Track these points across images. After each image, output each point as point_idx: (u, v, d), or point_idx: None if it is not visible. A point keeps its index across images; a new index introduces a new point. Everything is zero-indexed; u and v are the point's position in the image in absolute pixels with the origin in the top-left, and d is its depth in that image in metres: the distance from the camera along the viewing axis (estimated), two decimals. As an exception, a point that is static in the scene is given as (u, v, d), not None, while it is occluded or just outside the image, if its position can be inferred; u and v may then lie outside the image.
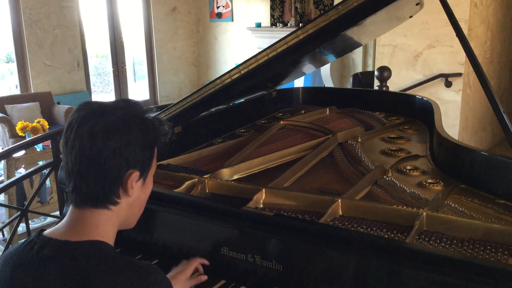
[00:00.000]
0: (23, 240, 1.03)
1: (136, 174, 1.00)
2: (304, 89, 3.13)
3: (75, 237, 0.97)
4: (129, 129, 0.98)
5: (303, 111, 2.71)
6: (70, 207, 1.01)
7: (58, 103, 7.17)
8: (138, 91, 9.68)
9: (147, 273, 0.96)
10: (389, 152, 2.10)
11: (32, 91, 7.34)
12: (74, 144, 0.97)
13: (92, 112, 0.99)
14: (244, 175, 1.90)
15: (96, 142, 0.95)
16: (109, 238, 1.02)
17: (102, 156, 0.95)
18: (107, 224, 1.01)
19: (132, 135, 0.98)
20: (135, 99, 1.07)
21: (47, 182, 3.69)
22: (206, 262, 1.48)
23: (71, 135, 0.98)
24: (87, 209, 0.99)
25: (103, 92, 10.01)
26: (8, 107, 6.62)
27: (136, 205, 1.06)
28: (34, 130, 4.94)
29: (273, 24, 8.26)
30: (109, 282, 0.92)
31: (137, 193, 1.03)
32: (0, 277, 1.01)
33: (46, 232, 1.01)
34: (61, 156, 3.06)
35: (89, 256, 0.95)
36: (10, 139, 6.13)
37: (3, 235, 3.93)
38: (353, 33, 2.20)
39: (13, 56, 7.50)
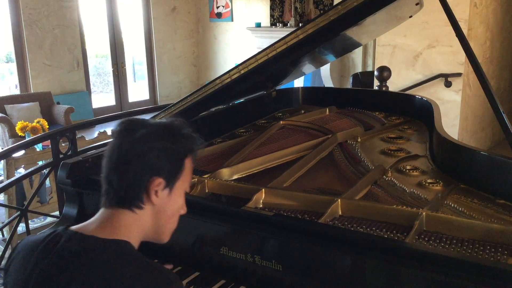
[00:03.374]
0: (44, 231, 1.06)
1: (160, 181, 1.04)
2: (304, 89, 3.13)
3: (102, 234, 1.00)
4: (155, 138, 1.04)
5: (302, 111, 2.71)
6: (101, 209, 1.07)
7: (58, 103, 7.17)
8: (138, 91, 9.69)
9: (170, 281, 0.98)
10: (389, 152, 2.10)
11: (32, 91, 7.34)
12: (108, 151, 1.05)
13: (131, 125, 1.07)
14: (243, 175, 1.90)
15: (123, 148, 1.03)
16: (134, 241, 1.05)
17: (126, 160, 1.02)
18: (132, 226, 1.05)
19: (157, 143, 1.03)
20: (182, 121, 1.12)
21: (47, 182, 3.69)
22: None
23: (109, 145, 1.06)
24: (114, 209, 1.04)
25: (102, 92, 10.01)
26: (8, 107, 6.62)
27: (163, 216, 1.09)
28: (33, 130, 4.93)
29: (272, 24, 8.26)
30: (132, 282, 0.94)
31: (162, 202, 1.06)
32: (22, 265, 1.02)
33: (72, 228, 1.04)
34: (61, 156, 3.06)
35: (114, 254, 0.98)
36: (10, 139, 6.13)
37: (3, 235, 3.93)
38: (352, 33, 2.20)
39: (13, 56, 7.50)
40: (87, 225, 1.04)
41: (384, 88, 3.84)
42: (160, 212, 1.08)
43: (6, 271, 1.07)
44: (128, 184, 1.02)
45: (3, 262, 3.52)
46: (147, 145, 1.02)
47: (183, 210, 1.14)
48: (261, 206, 1.58)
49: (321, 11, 7.58)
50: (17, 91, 7.57)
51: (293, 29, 1.99)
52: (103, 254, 0.97)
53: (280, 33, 7.34)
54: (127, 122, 1.08)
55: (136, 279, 0.94)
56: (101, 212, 1.06)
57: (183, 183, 1.10)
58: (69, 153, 3.12)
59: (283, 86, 3.07)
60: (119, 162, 1.03)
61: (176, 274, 1.05)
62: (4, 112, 6.57)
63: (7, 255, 3.45)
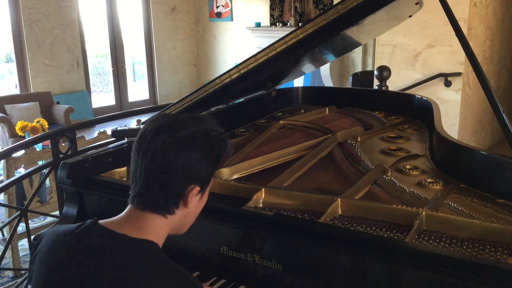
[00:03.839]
0: (72, 225, 1.07)
1: (197, 189, 1.07)
2: (304, 88, 3.12)
3: (133, 233, 1.02)
4: (197, 147, 1.04)
5: (302, 111, 2.71)
6: (129, 207, 1.08)
7: (58, 102, 7.17)
8: (138, 90, 9.69)
9: (194, 285, 1.01)
10: (389, 151, 2.10)
11: (32, 91, 7.34)
12: (146, 153, 1.03)
13: (166, 125, 1.06)
14: (243, 175, 1.90)
15: (167, 156, 1.02)
16: (160, 242, 1.08)
17: (171, 170, 1.02)
18: (161, 229, 1.07)
19: (199, 153, 1.05)
20: (208, 115, 1.12)
21: (47, 181, 3.69)
22: None
23: (144, 144, 1.04)
24: (146, 212, 1.06)
25: (102, 92, 10.01)
26: (8, 107, 6.62)
27: (190, 216, 1.14)
28: (33, 130, 4.94)
29: (272, 23, 8.26)
30: (158, 282, 0.96)
31: (194, 205, 1.10)
32: (49, 254, 1.04)
33: (102, 222, 1.05)
34: (61, 156, 3.06)
35: (143, 254, 1.00)
36: (10, 139, 6.13)
37: (3, 235, 3.93)
38: (352, 32, 2.20)
39: (13, 56, 7.50)
40: (117, 222, 1.06)
41: (384, 88, 3.84)
42: (189, 214, 1.12)
43: (31, 263, 1.09)
44: (168, 192, 1.04)
45: (5, 261, 3.52)
46: (190, 156, 1.03)
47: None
48: (261, 205, 1.58)
49: (321, 11, 7.58)
50: (17, 91, 7.57)
51: (293, 29, 1.99)
52: (132, 253, 0.99)
53: (280, 32, 7.34)
54: (164, 122, 1.07)
55: (162, 281, 0.97)
56: (130, 211, 1.07)
57: (211, 183, 1.14)
58: (69, 153, 3.12)
59: (283, 85, 3.07)
60: (162, 170, 1.02)
61: (200, 282, 1.07)
62: (4, 112, 6.57)
63: (7, 255, 3.45)
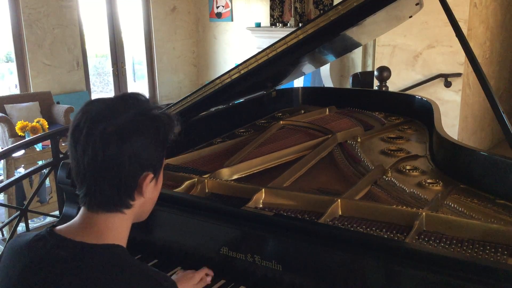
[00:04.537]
0: (31, 234, 0.99)
1: (150, 176, 0.98)
2: (304, 89, 3.13)
3: (90, 240, 0.95)
4: (142, 131, 0.94)
5: (302, 111, 2.71)
6: (82, 209, 0.99)
7: (58, 102, 7.17)
8: (138, 90, 9.65)
9: (162, 286, 0.94)
10: (389, 152, 2.11)
11: (32, 91, 7.34)
12: (86, 148, 0.92)
13: (101, 113, 0.94)
14: (243, 175, 1.90)
15: (110, 147, 0.91)
16: (123, 240, 1.01)
17: (117, 163, 0.92)
18: (121, 227, 1.00)
19: (145, 137, 0.94)
20: (141, 93, 1.03)
21: (47, 181, 3.69)
22: (211, 273, 1.45)
23: (81, 137, 0.93)
24: (101, 213, 0.97)
25: (102, 91, 10.01)
26: (8, 107, 6.61)
27: (149, 203, 1.05)
28: (33, 130, 4.94)
29: (272, 24, 8.26)
30: None
31: (150, 193, 1.01)
32: (7, 269, 0.97)
33: (58, 230, 0.97)
34: (60, 156, 3.06)
35: (106, 260, 0.93)
36: (10, 139, 6.13)
37: (3, 235, 3.93)
38: (352, 33, 2.20)
39: (13, 56, 7.49)
40: (73, 228, 0.97)
41: (384, 88, 3.84)
42: (146, 202, 1.03)
43: None
44: (120, 185, 0.94)
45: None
46: (136, 143, 0.93)
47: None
48: (261, 206, 1.58)
49: (321, 11, 7.58)
50: (17, 91, 7.56)
51: (293, 29, 1.99)
52: (93, 261, 0.92)
53: (280, 33, 7.34)
54: (95, 112, 0.94)
55: (129, 286, 0.91)
56: (84, 214, 0.98)
57: (163, 166, 1.05)
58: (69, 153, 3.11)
59: (283, 86, 3.07)
60: (108, 164, 0.92)
61: (172, 279, 1.01)
62: (4, 111, 6.56)
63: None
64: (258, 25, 8.30)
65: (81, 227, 0.97)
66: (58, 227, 0.99)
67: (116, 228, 0.98)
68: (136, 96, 1.01)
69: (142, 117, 0.95)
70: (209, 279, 1.44)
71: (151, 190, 1.01)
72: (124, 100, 0.98)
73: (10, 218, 3.28)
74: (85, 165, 0.93)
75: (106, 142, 0.91)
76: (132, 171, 0.94)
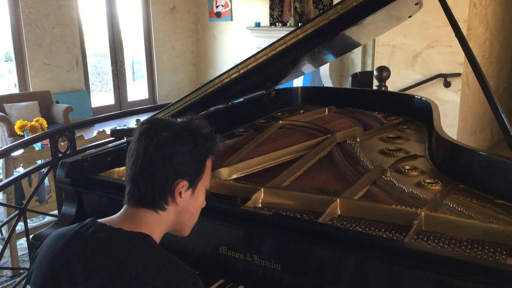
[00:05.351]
0: (74, 224, 1.10)
1: (184, 183, 1.08)
2: (303, 88, 3.13)
3: (128, 228, 1.05)
4: (179, 141, 1.07)
5: (302, 111, 2.71)
6: (124, 206, 1.11)
7: (57, 102, 7.16)
8: (137, 90, 9.68)
9: (189, 274, 1.02)
10: (388, 152, 2.11)
11: (31, 90, 7.33)
12: (133, 153, 1.08)
13: (152, 126, 1.10)
14: (242, 175, 1.90)
15: (149, 152, 1.06)
16: (156, 236, 1.09)
17: (153, 164, 1.05)
18: (155, 225, 1.09)
19: (181, 146, 1.07)
20: (204, 120, 1.15)
21: (46, 181, 3.68)
22: None
23: (132, 145, 1.10)
24: (138, 208, 1.08)
25: (102, 91, 10.00)
26: (7, 106, 6.61)
27: (186, 214, 1.14)
28: (32, 129, 4.93)
29: (272, 23, 8.26)
30: (152, 272, 0.97)
31: (185, 202, 1.11)
32: (49, 252, 1.06)
33: (100, 220, 1.08)
34: (60, 155, 3.06)
35: (138, 245, 1.02)
36: (9, 138, 6.12)
37: (2, 234, 3.93)
38: (352, 32, 2.19)
39: (12, 55, 7.49)
40: (114, 219, 1.08)
41: (383, 88, 3.84)
42: (183, 211, 1.12)
43: (32, 260, 1.11)
44: (154, 187, 1.06)
45: (3, 261, 3.52)
46: (171, 149, 1.05)
47: (203, 204, 1.19)
48: (260, 205, 1.58)
49: (321, 11, 7.58)
50: (16, 90, 7.56)
51: (292, 29, 1.99)
52: (127, 245, 1.01)
53: (279, 32, 7.34)
54: (150, 124, 1.11)
55: (156, 270, 0.98)
56: (125, 209, 1.10)
57: (204, 182, 1.14)
58: (68, 152, 3.12)
59: (282, 85, 3.07)
60: (144, 166, 1.06)
61: (194, 270, 1.06)
62: (3, 111, 6.56)
63: (6, 254, 3.45)
64: (257, 24, 8.30)
65: (121, 219, 1.09)
66: (101, 219, 1.09)
67: (152, 224, 1.08)
68: (190, 117, 1.14)
69: (184, 131, 1.09)
70: None
71: (186, 199, 1.10)
72: (178, 119, 1.13)
73: (9, 217, 3.28)
74: (130, 166, 1.09)
75: (148, 146, 1.06)
76: (165, 174, 1.06)
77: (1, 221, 3.51)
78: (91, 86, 8.72)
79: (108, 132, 3.68)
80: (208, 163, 1.14)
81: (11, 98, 6.78)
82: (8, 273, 3.57)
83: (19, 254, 3.63)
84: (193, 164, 1.09)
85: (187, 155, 1.07)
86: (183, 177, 1.08)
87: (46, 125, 5.16)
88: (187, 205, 1.12)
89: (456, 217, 1.40)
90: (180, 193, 1.08)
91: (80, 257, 1.01)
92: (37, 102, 6.87)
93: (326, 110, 2.70)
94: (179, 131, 1.08)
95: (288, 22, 7.97)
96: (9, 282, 3.44)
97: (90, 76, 8.62)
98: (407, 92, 4.51)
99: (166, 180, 1.06)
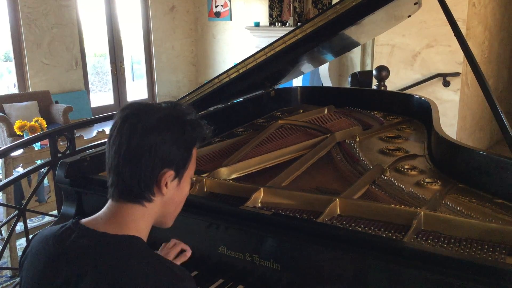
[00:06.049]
0: (57, 226, 1.06)
1: (171, 173, 1.03)
2: (303, 88, 3.13)
3: (112, 230, 1.00)
4: (166, 129, 1.01)
5: (301, 110, 2.71)
6: (109, 201, 1.06)
7: (56, 102, 7.16)
8: (137, 90, 9.68)
9: (181, 278, 0.98)
10: (387, 151, 2.11)
11: (30, 90, 7.33)
12: (115, 141, 1.01)
13: (135, 111, 1.03)
14: (242, 174, 1.90)
15: (134, 139, 0.99)
16: (144, 234, 1.05)
17: (138, 153, 0.99)
18: (141, 220, 1.04)
19: (168, 134, 1.01)
20: (188, 106, 1.10)
21: (45, 181, 3.68)
22: (187, 247, 1.44)
23: (114, 132, 1.02)
24: (123, 203, 1.03)
25: (101, 91, 10.00)
26: (6, 106, 6.60)
27: (171, 205, 1.10)
28: (32, 129, 4.93)
29: (271, 23, 8.26)
30: (143, 278, 0.94)
31: (171, 192, 1.06)
32: (34, 258, 1.03)
33: (83, 221, 1.03)
34: (59, 155, 3.06)
35: (126, 250, 0.98)
36: (8, 138, 6.12)
37: (1, 234, 3.92)
38: (351, 32, 2.20)
39: (11, 55, 7.49)
40: (97, 220, 1.03)
41: (382, 88, 3.84)
42: (168, 201, 1.08)
43: (21, 267, 1.09)
44: (140, 177, 1.00)
45: (3, 261, 3.52)
46: (157, 137, 0.99)
47: (188, 194, 1.15)
48: (259, 205, 1.58)
49: (320, 11, 7.58)
50: (15, 90, 7.56)
51: (291, 29, 1.99)
52: (114, 250, 0.97)
53: (278, 32, 7.34)
54: (132, 109, 1.04)
55: (145, 276, 0.94)
56: (109, 205, 1.05)
57: (190, 171, 1.10)
58: (68, 152, 3.11)
59: (281, 85, 3.07)
60: (129, 155, 0.99)
61: (188, 272, 1.03)
62: (3, 111, 6.55)
63: (5, 254, 3.45)
64: (257, 24, 8.30)
65: (105, 218, 1.03)
66: (84, 220, 1.04)
67: (137, 221, 1.04)
68: (172, 102, 1.09)
69: (170, 117, 1.03)
70: (188, 254, 1.42)
71: (172, 189, 1.06)
72: (160, 103, 1.07)
73: (9, 218, 3.28)
74: (111, 156, 1.02)
75: (131, 134, 0.99)
76: (151, 163, 1.00)
77: (1, 221, 3.50)
78: (90, 86, 8.72)
79: (107, 132, 3.68)
80: (194, 151, 1.09)
81: (10, 98, 6.78)
82: (8, 273, 3.57)
83: (18, 255, 3.62)
84: (180, 153, 1.03)
85: (174, 143, 1.02)
86: (169, 166, 1.02)
87: (46, 125, 5.16)
88: (172, 196, 1.07)
89: (456, 217, 1.40)
90: (166, 183, 1.03)
91: (65, 266, 0.97)
92: (37, 102, 6.87)
93: (326, 109, 2.70)
94: (165, 118, 1.02)
95: (287, 21, 7.97)
96: (8, 282, 3.44)
97: (89, 76, 8.61)
98: (406, 91, 4.51)
99: (152, 170, 1.00)
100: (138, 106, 1.05)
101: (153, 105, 1.06)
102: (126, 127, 1.00)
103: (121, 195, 1.03)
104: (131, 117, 1.02)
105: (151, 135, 0.99)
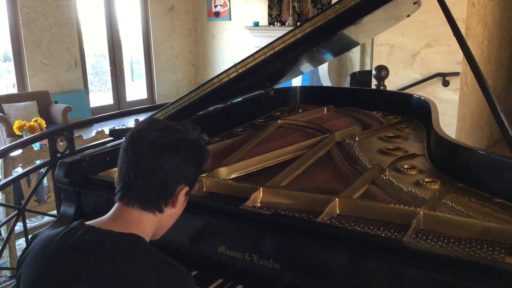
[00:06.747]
0: (61, 228, 1.08)
1: (186, 189, 1.12)
2: (302, 88, 3.12)
3: (118, 229, 1.04)
4: (189, 149, 1.10)
5: (300, 110, 2.71)
6: (117, 205, 1.10)
7: (56, 102, 7.16)
8: (136, 90, 9.67)
9: (181, 274, 1.02)
10: (387, 151, 2.11)
11: (30, 90, 7.33)
12: (142, 152, 1.07)
13: (159, 125, 1.11)
14: (241, 174, 1.90)
15: (160, 155, 1.06)
16: (146, 237, 1.09)
17: (164, 169, 1.06)
18: (147, 226, 1.10)
19: (190, 155, 1.10)
20: (195, 126, 1.17)
21: (45, 181, 3.68)
22: None
23: (138, 141, 1.08)
24: (135, 209, 1.08)
25: (100, 91, 10.00)
26: (6, 106, 6.60)
27: (172, 218, 1.17)
28: (31, 129, 4.93)
29: (270, 23, 8.26)
30: (145, 273, 0.98)
31: (180, 205, 1.14)
32: (37, 258, 1.05)
33: (88, 222, 1.08)
34: (58, 155, 3.06)
35: (129, 246, 1.02)
36: (8, 138, 6.12)
37: (0, 234, 3.92)
38: (350, 32, 2.19)
39: (11, 55, 7.49)
40: (103, 220, 1.08)
41: (382, 87, 3.84)
42: (172, 215, 1.15)
43: (19, 265, 1.10)
44: (162, 190, 1.08)
45: (2, 261, 3.51)
46: (184, 156, 1.08)
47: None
48: (258, 205, 1.58)
49: (319, 10, 7.58)
50: (14, 90, 7.56)
51: (291, 28, 1.99)
52: (118, 246, 1.01)
53: (278, 32, 7.35)
54: (157, 124, 1.11)
55: (149, 271, 0.98)
56: (117, 207, 1.10)
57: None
58: (67, 152, 3.12)
59: (281, 85, 3.07)
60: (159, 169, 1.06)
61: (187, 270, 1.07)
62: (2, 111, 6.55)
63: (4, 254, 3.45)
64: (256, 24, 8.30)
65: (112, 219, 1.08)
66: (89, 222, 1.08)
67: (144, 225, 1.09)
68: (187, 126, 1.16)
69: (190, 141, 1.12)
70: None
71: (181, 203, 1.14)
72: (178, 125, 1.15)
73: (8, 218, 3.28)
74: (137, 165, 1.06)
75: (161, 149, 1.06)
76: (175, 180, 1.08)
77: (0, 221, 3.50)
78: (89, 86, 8.72)
79: (106, 132, 3.69)
80: None
81: (9, 98, 6.77)
82: (7, 273, 3.57)
83: (18, 255, 3.62)
84: (195, 173, 1.13)
85: (194, 163, 1.11)
86: (185, 182, 1.11)
87: (45, 125, 5.16)
88: (179, 209, 1.15)
89: (455, 216, 1.40)
90: (180, 198, 1.11)
91: (70, 260, 1.00)
92: (36, 102, 6.87)
93: (325, 109, 2.70)
94: (187, 140, 1.11)
95: (286, 21, 7.98)
96: (8, 283, 3.44)
97: (88, 76, 8.61)
98: (406, 91, 4.51)
99: (174, 185, 1.08)
100: (160, 121, 1.16)
101: (172, 124, 1.14)
102: (154, 141, 1.06)
103: (137, 201, 1.08)
104: (157, 131, 1.08)
105: (179, 154, 1.07)
